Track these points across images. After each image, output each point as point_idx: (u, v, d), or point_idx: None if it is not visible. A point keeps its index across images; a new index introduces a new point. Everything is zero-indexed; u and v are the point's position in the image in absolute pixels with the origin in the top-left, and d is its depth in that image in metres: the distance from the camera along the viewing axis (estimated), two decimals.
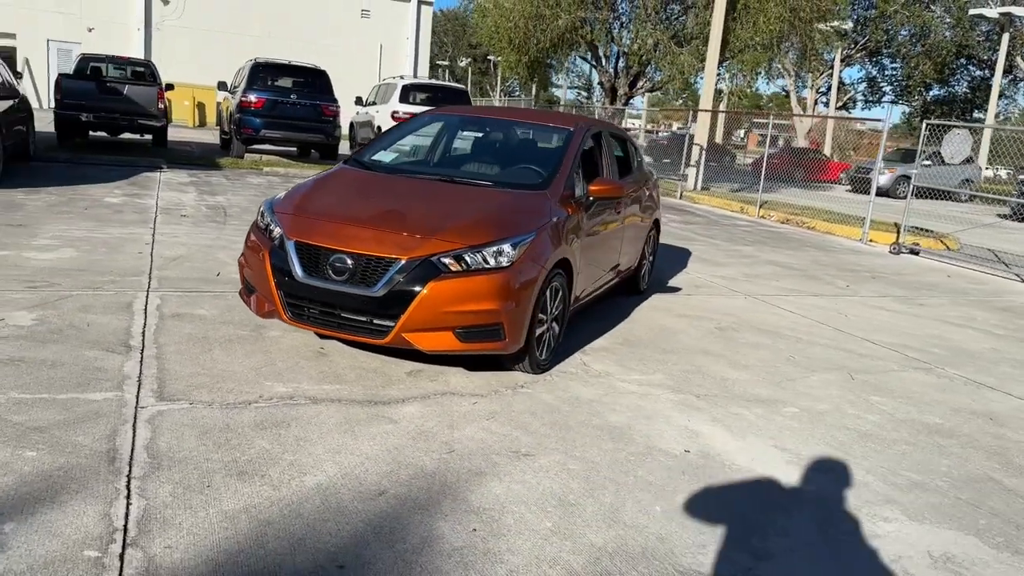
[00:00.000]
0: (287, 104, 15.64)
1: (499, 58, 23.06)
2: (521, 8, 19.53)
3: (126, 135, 15.94)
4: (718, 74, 19.37)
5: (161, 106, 15.31)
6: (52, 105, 15.06)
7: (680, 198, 17.46)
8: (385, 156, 5.43)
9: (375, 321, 4.10)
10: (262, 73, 15.93)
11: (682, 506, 3.24)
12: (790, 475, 3.65)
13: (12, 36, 26.81)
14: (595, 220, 5.32)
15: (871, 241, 12.73)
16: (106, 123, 15.03)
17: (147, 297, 5.45)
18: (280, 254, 4.29)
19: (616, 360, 5.11)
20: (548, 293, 4.55)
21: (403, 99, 16.09)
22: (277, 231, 4.39)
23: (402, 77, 17.13)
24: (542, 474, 3.41)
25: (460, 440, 3.66)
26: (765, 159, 15.52)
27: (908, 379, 5.37)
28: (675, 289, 7.51)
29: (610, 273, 5.94)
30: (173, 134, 19.84)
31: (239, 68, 17.14)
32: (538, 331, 4.53)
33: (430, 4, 31.94)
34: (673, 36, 20.29)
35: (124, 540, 2.62)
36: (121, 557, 2.53)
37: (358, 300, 4.09)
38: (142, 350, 4.41)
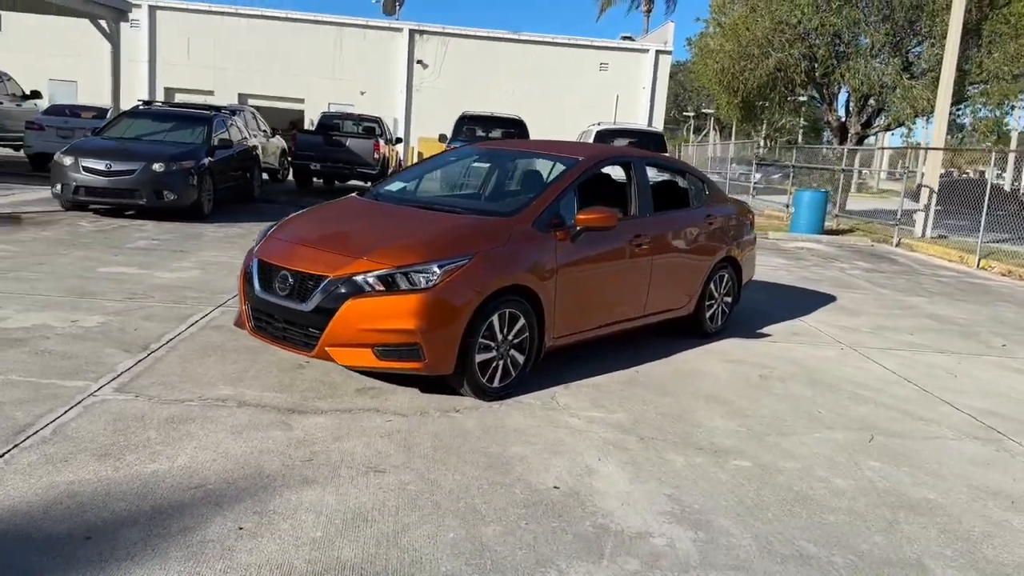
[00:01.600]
0: None
1: (714, 101, 22.48)
2: (729, 48, 18.98)
3: (353, 181, 18.03)
4: (956, 109, 17.20)
5: (376, 156, 17.17)
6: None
7: (896, 245, 15.66)
8: (394, 186, 5.71)
9: (307, 333, 4.36)
10: (467, 124, 17.24)
11: (479, 538, 3.06)
12: (648, 525, 3.26)
13: (301, 100, 31.48)
14: (593, 251, 5.11)
15: None
16: (331, 171, 17.28)
17: (210, 311, 6.20)
18: (250, 271, 4.72)
19: (592, 397, 4.85)
20: (496, 319, 4.49)
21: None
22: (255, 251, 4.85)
23: (599, 124, 17.44)
24: (370, 490, 3.40)
25: (330, 452, 3.76)
26: (986, 201, 13.45)
27: (948, 448, 4.45)
28: (761, 335, 6.86)
29: (632, 309, 5.62)
30: None
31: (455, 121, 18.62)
32: (482, 356, 4.47)
33: (668, 53, 31.98)
34: (906, 68, 18.40)
35: None
36: None
37: (294, 314, 4.38)
38: (151, 352, 5.05)
